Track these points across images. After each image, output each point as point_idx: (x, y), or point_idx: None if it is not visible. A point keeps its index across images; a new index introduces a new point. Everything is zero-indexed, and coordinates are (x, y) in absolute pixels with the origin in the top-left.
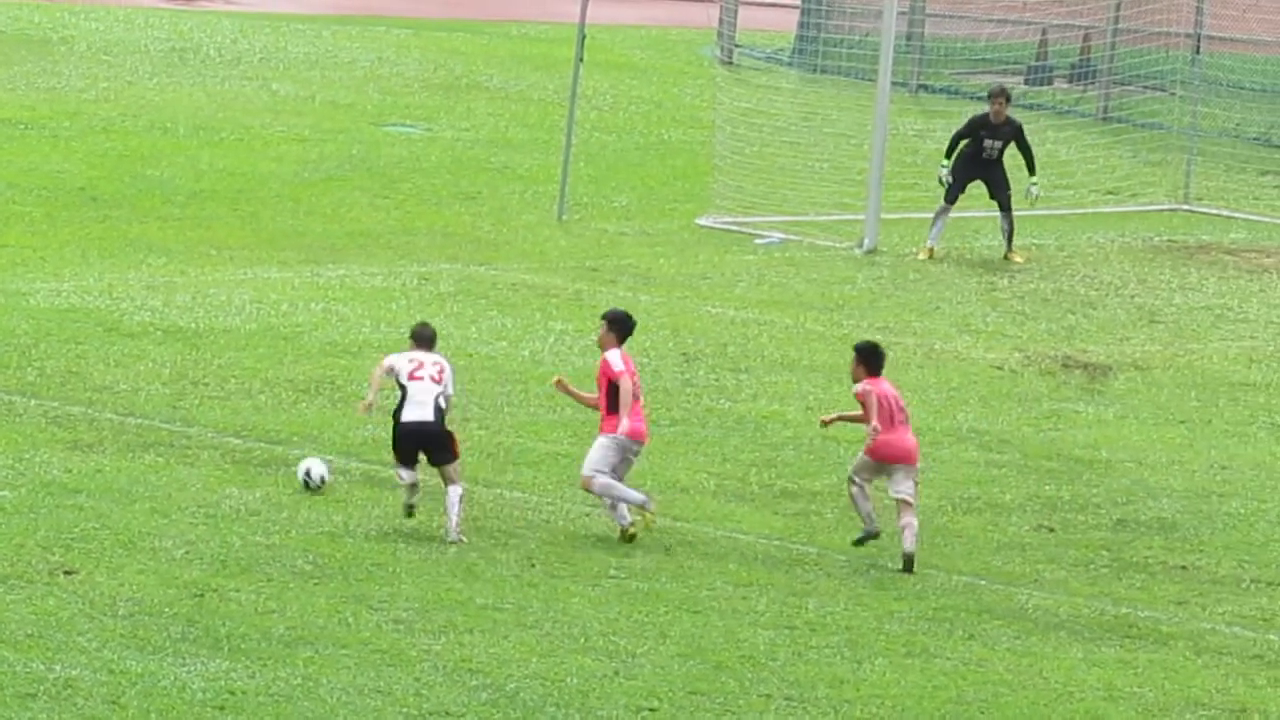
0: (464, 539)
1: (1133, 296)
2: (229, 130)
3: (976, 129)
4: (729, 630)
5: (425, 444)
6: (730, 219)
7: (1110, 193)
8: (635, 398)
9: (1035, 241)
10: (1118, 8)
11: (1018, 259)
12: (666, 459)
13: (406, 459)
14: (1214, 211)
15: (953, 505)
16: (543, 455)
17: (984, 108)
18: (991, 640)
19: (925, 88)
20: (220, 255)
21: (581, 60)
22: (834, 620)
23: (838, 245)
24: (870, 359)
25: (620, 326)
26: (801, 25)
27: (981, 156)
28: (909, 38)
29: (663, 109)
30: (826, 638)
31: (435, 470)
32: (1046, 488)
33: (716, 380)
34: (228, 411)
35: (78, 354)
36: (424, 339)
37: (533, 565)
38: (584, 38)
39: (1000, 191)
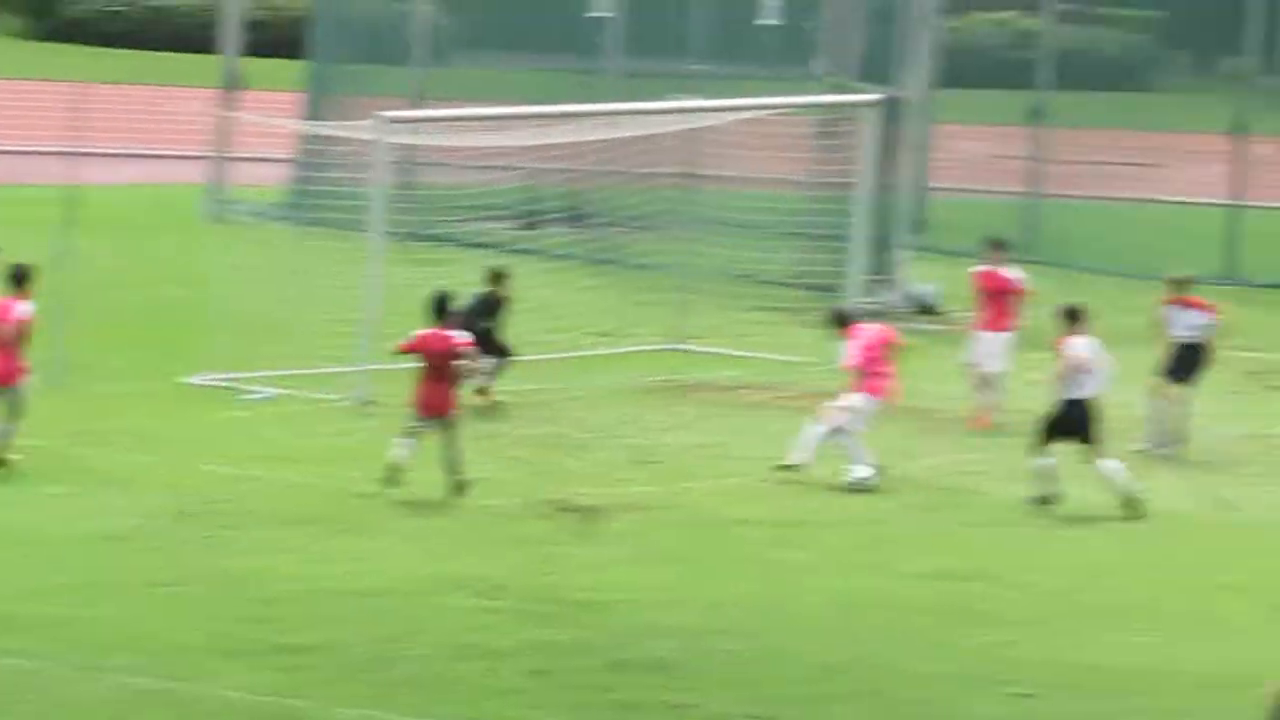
0: None
1: (627, 438)
2: None
3: (477, 313)
4: None
5: None
6: (224, 376)
7: (604, 335)
8: None
9: (532, 387)
10: (608, 150)
11: (494, 399)
12: (160, 619)
13: None
14: (706, 350)
15: (448, 653)
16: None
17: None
18: None
19: (415, 235)
20: None
21: (73, 222)
22: None
23: (332, 398)
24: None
25: None
26: (294, 179)
27: (483, 333)
28: (401, 187)
29: (159, 267)
30: None
31: None
32: (543, 632)
33: (210, 537)
34: None
35: None
36: None
37: None
38: (77, 199)
39: (498, 350)
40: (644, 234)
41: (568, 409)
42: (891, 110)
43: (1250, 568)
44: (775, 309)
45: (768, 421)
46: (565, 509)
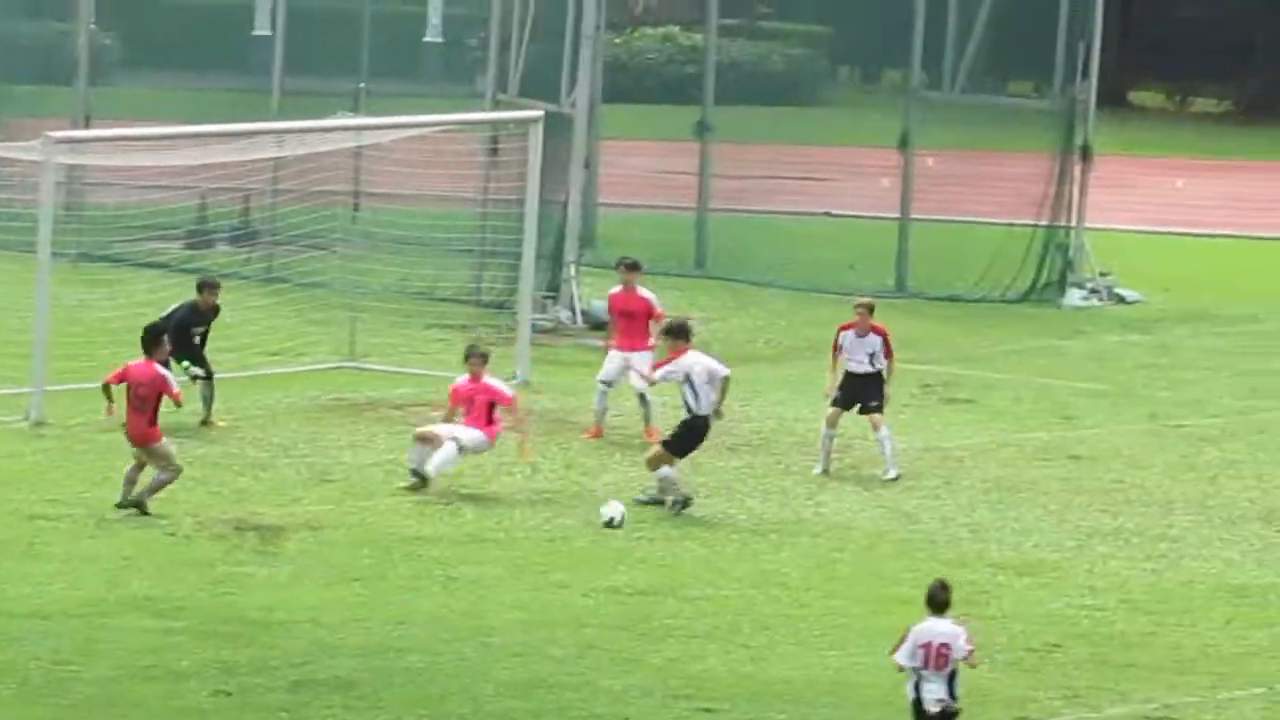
0: None
1: (303, 456)
2: None
3: (186, 323)
4: None
5: None
6: None
7: (275, 354)
8: None
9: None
10: (276, 168)
11: (221, 425)
12: None
13: None
14: (380, 368)
15: (128, 675)
16: None
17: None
18: None
19: (87, 256)
20: None
21: None
22: None
23: (4, 419)
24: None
25: None
26: None
27: (193, 342)
28: (68, 207)
29: None
30: None
31: None
32: (223, 652)
33: None
34: None
35: None
36: None
37: None
38: None
39: (204, 364)
40: (314, 252)
41: (242, 428)
42: (557, 126)
43: (922, 579)
44: (449, 326)
45: None
46: (243, 528)
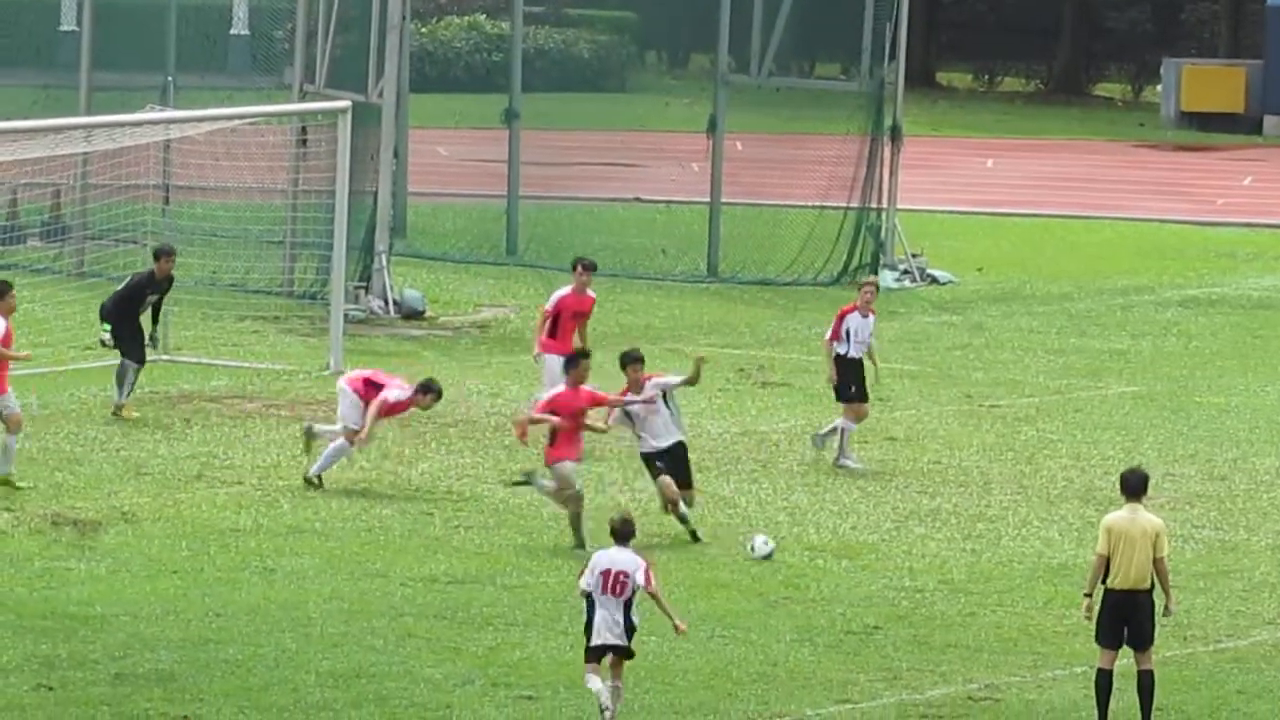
0: None
1: (119, 450)
2: None
3: (143, 287)
4: None
5: None
6: None
7: (88, 348)
8: None
9: (23, 401)
10: (85, 163)
11: (134, 414)
12: None
13: None
14: (194, 360)
15: None
16: None
17: None
18: None
19: None
20: None
21: None
22: None
23: None
24: None
25: None
26: None
27: (140, 310)
28: None
29: None
30: None
31: None
32: (43, 646)
33: None
34: None
35: None
36: None
37: None
38: None
39: (139, 341)
40: (125, 246)
41: (57, 423)
42: (366, 117)
43: (740, 563)
44: (262, 318)
45: (258, 431)
46: (60, 523)
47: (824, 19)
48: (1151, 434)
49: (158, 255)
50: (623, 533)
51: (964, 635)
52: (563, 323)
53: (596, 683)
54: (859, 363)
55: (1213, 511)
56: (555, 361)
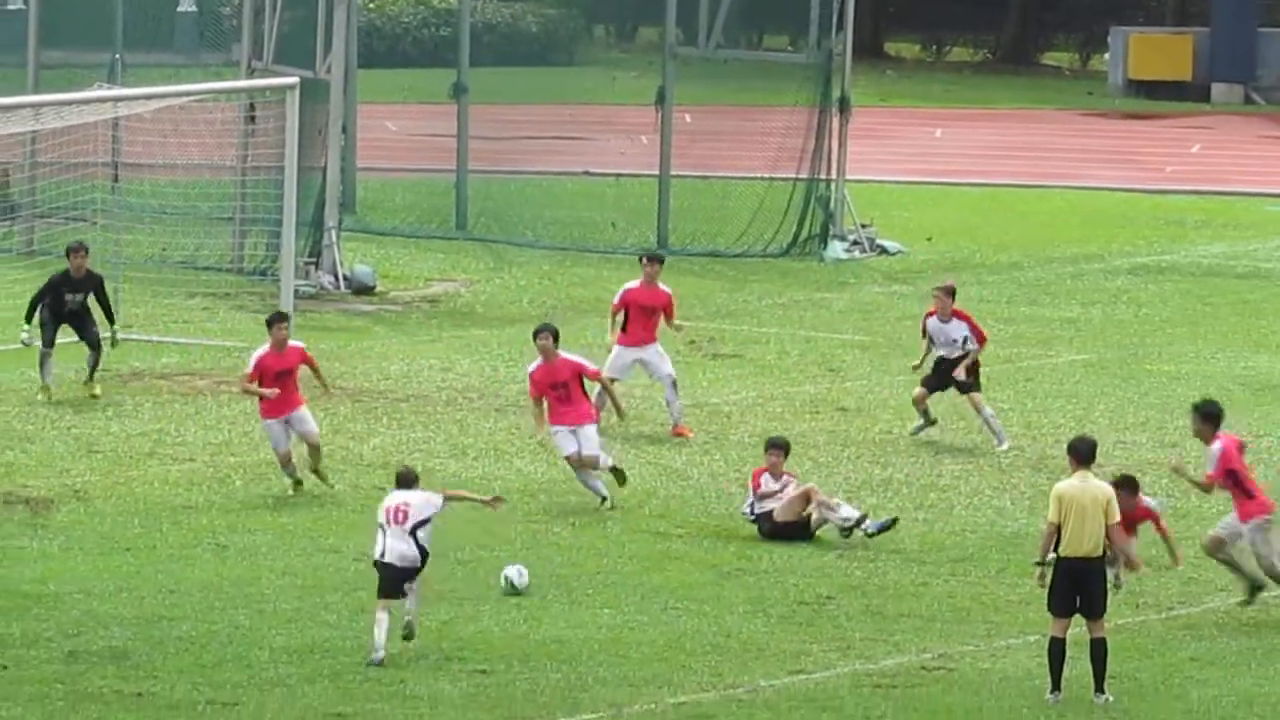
0: None
1: (70, 427)
2: None
3: (58, 286)
4: None
5: None
6: None
7: (41, 325)
8: None
9: None
10: (34, 141)
11: (97, 391)
12: None
13: None
14: (144, 338)
15: None
16: None
17: None
18: None
19: None
20: None
21: None
22: None
23: None
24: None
25: None
26: None
27: (65, 310)
28: None
29: None
30: None
31: None
32: None
33: None
34: None
35: None
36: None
37: None
38: None
39: (89, 332)
40: (74, 224)
41: (8, 400)
42: (314, 92)
43: (693, 535)
44: (212, 295)
45: (209, 407)
46: (12, 501)
47: None
48: (1102, 402)
49: (68, 252)
50: (405, 478)
51: (917, 605)
52: (632, 317)
53: (384, 622)
54: (951, 361)
55: (1164, 479)
56: (615, 353)
